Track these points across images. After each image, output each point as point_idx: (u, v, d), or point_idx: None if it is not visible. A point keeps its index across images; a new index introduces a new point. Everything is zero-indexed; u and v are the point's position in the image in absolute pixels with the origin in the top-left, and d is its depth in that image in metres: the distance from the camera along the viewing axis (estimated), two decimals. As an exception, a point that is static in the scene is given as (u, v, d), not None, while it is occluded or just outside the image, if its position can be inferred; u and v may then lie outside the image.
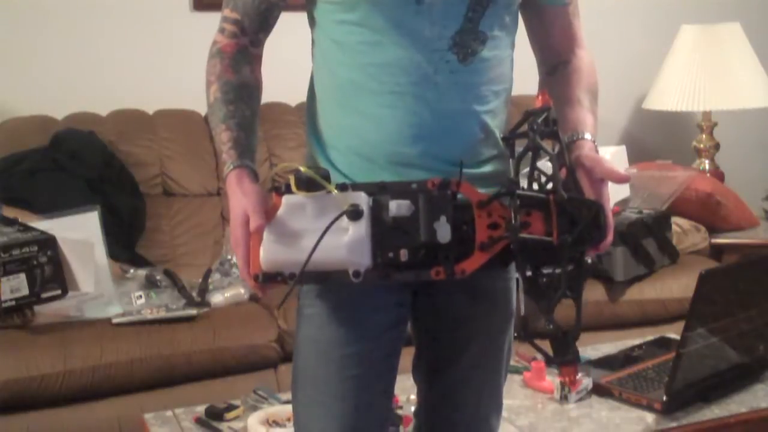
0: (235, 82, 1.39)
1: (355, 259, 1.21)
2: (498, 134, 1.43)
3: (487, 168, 1.41)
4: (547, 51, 1.51)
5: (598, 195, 1.32)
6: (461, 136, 1.37)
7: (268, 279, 1.24)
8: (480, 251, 1.23)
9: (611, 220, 1.31)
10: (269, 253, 1.23)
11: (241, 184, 1.32)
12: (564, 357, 1.28)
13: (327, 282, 1.32)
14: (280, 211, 1.25)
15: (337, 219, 1.21)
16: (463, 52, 1.36)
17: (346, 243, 1.21)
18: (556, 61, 1.49)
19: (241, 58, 1.41)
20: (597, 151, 1.37)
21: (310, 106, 1.47)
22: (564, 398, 2.26)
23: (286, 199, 1.26)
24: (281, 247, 1.23)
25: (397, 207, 1.24)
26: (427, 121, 1.35)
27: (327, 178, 1.25)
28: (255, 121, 1.40)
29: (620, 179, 1.32)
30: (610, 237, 1.31)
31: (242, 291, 2.88)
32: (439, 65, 1.35)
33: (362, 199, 1.24)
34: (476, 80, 1.37)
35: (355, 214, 1.21)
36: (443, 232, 1.22)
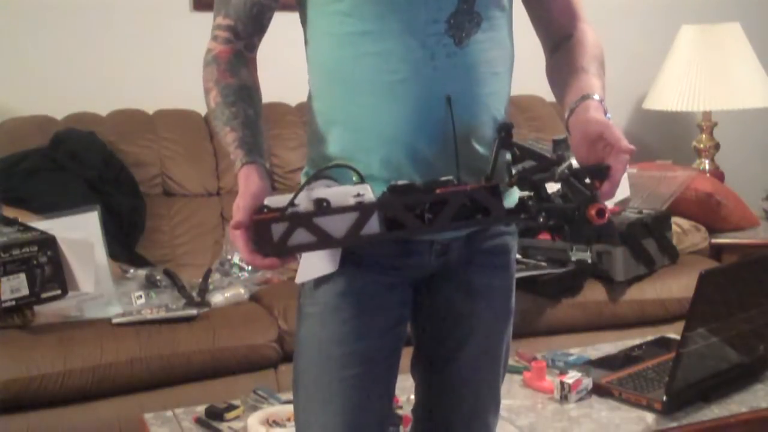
0: (235, 84, 1.38)
1: (360, 189, 1.24)
2: (502, 116, 1.41)
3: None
4: (549, 30, 1.48)
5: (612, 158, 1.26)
6: (463, 120, 1.35)
7: (261, 210, 1.24)
8: (486, 180, 1.28)
9: (618, 179, 1.26)
10: (272, 198, 1.25)
11: (247, 181, 1.30)
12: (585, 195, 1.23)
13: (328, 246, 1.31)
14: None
15: (335, 167, 1.29)
16: (458, 34, 1.34)
17: (352, 183, 1.26)
18: (559, 37, 1.46)
19: (236, 62, 1.40)
20: (605, 112, 1.31)
21: (309, 106, 1.46)
22: (564, 398, 2.26)
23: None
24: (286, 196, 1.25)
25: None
26: (427, 107, 1.34)
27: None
28: (258, 121, 1.38)
29: (626, 150, 1.24)
30: (615, 181, 1.25)
31: (242, 291, 2.88)
32: (436, 49, 1.33)
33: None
34: (474, 62, 1.36)
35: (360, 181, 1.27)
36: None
